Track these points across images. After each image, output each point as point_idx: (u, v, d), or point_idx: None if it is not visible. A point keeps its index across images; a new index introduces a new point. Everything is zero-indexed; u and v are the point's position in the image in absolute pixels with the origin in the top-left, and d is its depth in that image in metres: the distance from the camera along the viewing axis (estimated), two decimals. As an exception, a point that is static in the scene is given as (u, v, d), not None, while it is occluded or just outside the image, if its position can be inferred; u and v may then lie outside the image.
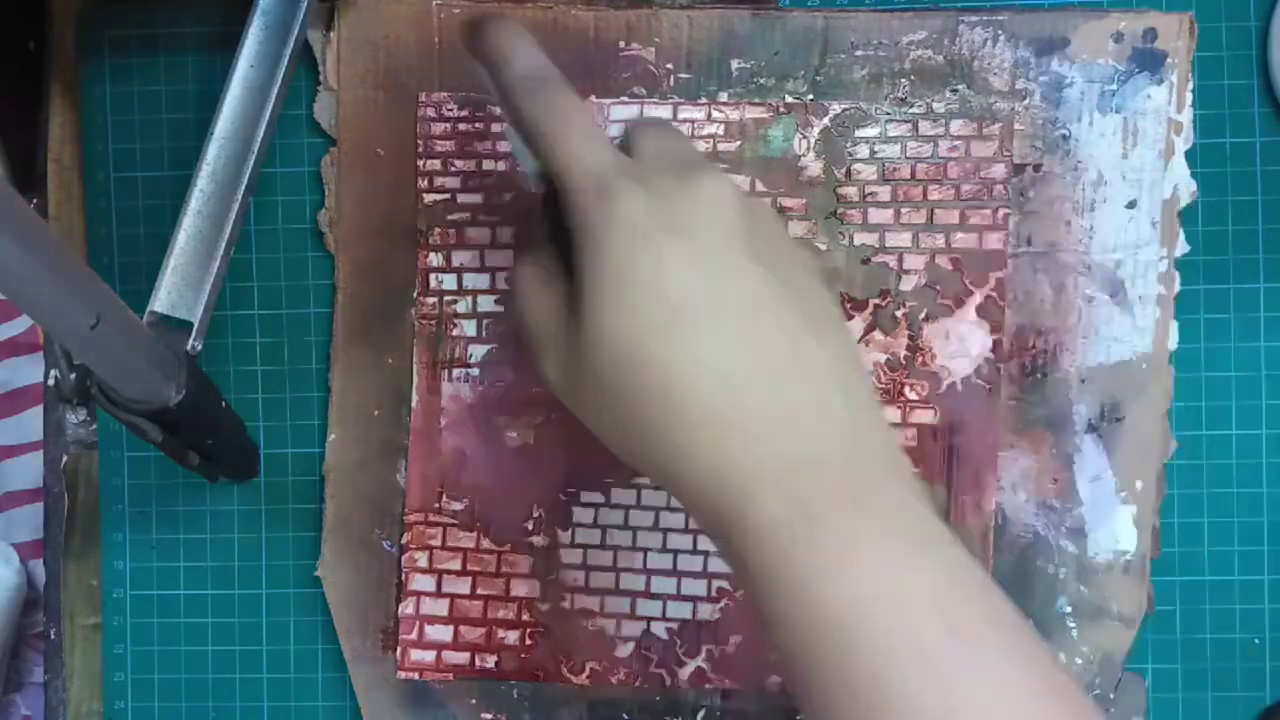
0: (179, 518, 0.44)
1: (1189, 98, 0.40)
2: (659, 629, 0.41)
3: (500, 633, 0.42)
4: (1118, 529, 0.40)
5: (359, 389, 0.42)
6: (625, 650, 0.41)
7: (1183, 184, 0.40)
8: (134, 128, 0.43)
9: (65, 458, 0.45)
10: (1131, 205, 0.40)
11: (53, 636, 0.45)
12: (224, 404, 0.40)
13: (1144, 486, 0.40)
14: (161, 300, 0.37)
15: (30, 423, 0.46)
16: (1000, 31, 0.40)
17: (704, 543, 0.41)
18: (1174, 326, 0.40)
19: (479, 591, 0.42)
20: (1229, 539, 0.42)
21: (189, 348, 0.37)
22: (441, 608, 0.42)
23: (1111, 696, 0.40)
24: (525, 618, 0.42)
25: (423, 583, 0.42)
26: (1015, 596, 0.40)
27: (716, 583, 0.41)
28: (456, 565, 0.42)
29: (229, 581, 0.44)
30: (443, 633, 0.42)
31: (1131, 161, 0.40)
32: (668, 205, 0.29)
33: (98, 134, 0.43)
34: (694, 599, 0.41)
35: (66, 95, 0.43)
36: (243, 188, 0.38)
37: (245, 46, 0.38)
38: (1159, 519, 0.40)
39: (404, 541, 0.42)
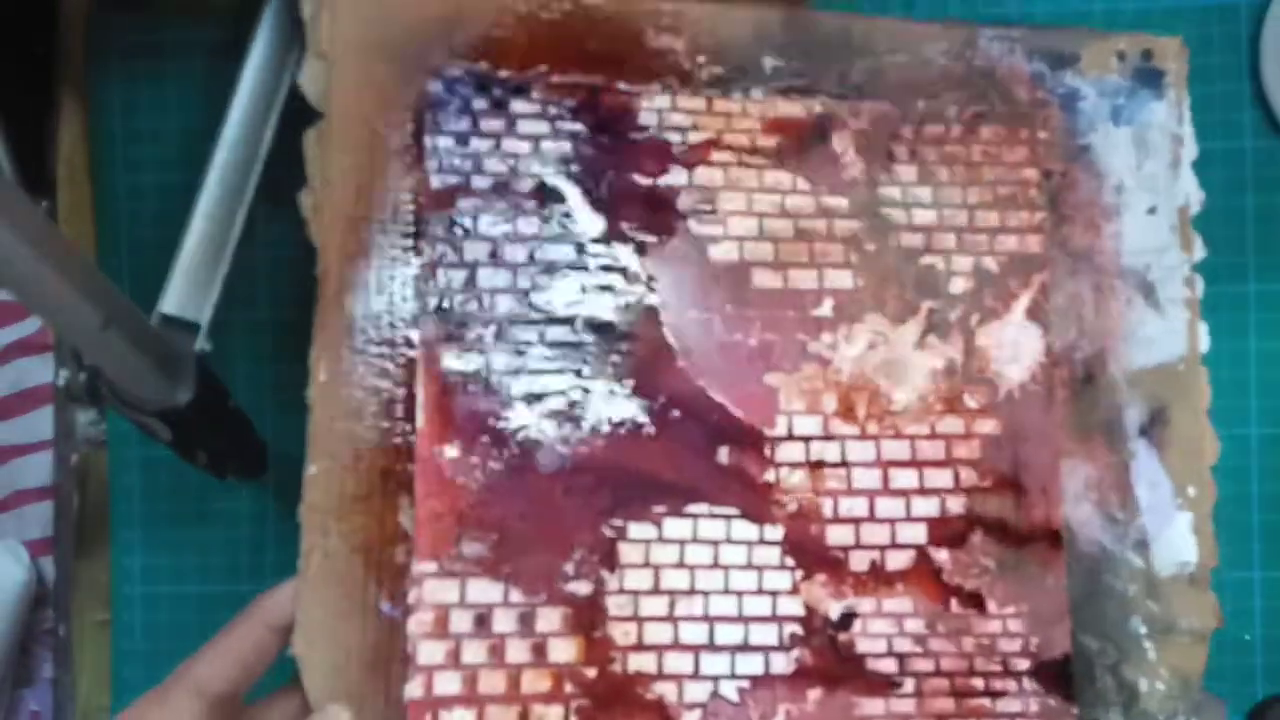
0: (189, 515, 0.44)
1: (1187, 114, 0.42)
2: (728, 689, 0.34)
3: (537, 710, 0.33)
4: (1177, 538, 0.39)
5: (348, 407, 0.34)
6: (691, 719, 0.34)
7: (1192, 194, 0.41)
8: (143, 133, 0.44)
9: (76, 457, 0.45)
10: (1152, 211, 0.41)
11: (62, 633, 0.45)
12: (233, 403, 0.39)
13: (1197, 492, 0.39)
14: (170, 301, 0.37)
15: (41, 422, 0.47)
16: (1016, 45, 0.41)
17: (770, 581, 0.35)
18: (1203, 328, 0.40)
19: (507, 658, 0.33)
20: (1220, 536, 0.41)
21: (197, 348, 0.37)
22: (457, 683, 0.33)
23: (1193, 720, 0.38)
24: (568, 689, 0.33)
25: (433, 652, 0.33)
26: (1090, 619, 0.38)
27: (788, 628, 0.35)
28: (477, 626, 0.33)
29: (238, 578, 0.44)
30: (463, 719, 0.32)
31: (1146, 171, 0.41)
32: None
33: (107, 139, 0.44)
34: (765, 649, 0.35)
35: (76, 100, 0.44)
36: (250, 191, 0.38)
37: (253, 54, 0.38)
38: (1212, 524, 0.39)
39: (409, 601, 0.33)
